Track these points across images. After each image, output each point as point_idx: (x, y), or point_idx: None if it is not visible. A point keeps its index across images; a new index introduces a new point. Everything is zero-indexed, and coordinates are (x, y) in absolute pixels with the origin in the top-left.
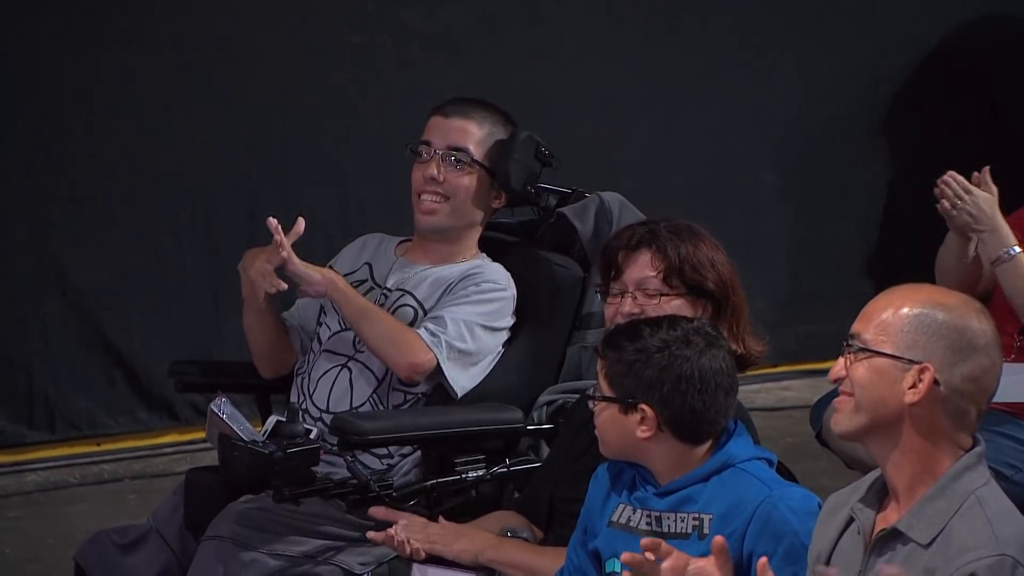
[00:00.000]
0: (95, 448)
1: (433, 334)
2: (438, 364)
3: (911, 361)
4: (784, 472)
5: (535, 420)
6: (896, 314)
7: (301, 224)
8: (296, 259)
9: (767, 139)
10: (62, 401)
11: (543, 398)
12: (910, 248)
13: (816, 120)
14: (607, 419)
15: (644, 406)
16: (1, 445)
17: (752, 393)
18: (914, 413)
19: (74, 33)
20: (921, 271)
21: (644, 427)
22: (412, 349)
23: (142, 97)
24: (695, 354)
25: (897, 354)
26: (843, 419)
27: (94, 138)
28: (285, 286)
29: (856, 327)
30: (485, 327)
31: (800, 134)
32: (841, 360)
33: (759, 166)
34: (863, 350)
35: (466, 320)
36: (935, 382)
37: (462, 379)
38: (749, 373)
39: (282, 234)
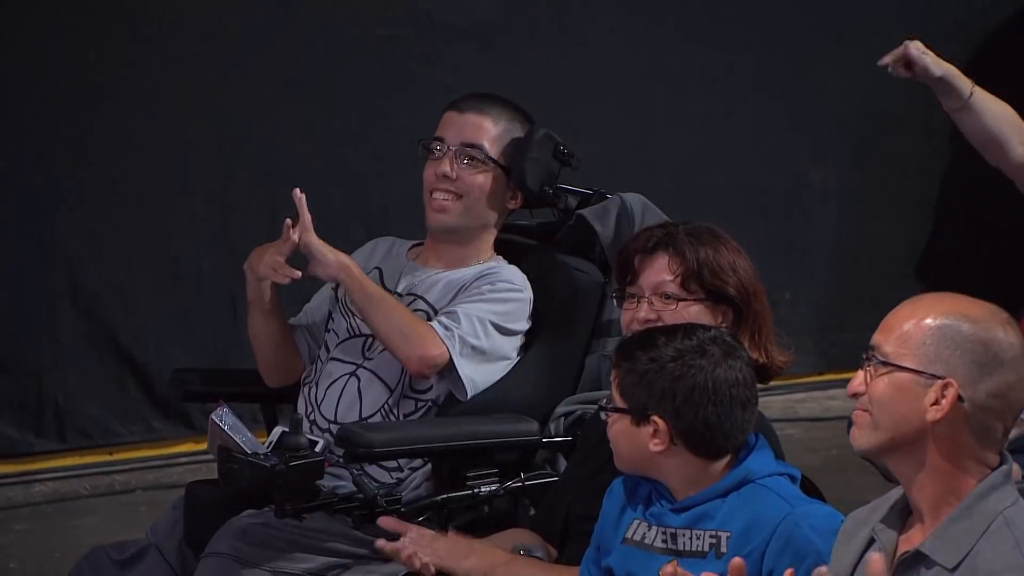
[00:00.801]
0: (107, 458)
1: (447, 328)
2: (450, 359)
3: (933, 376)
4: (810, 489)
5: (552, 432)
6: (918, 326)
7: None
8: (313, 233)
9: (812, 136)
10: (72, 408)
11: (560, 409)
12: (963, 250)
13: (864, 115)
14: (620, 431)
15: (656, 418)
16: (9, 454)
17: (796, 403)
18: (937, 431)
19: (86, 28)
20: (974, 274)
21: (657, 440)
22: (424, 341)
23: (156, 92)
24: (711, 364)
25: (919, 368)
26: (862, 436)
27: (106, 134)
28: (299, 273)
29: (876, 339)
30: (499, 327)
31: (847, 130)
32: (860, 374)
33: (804, 164)
34: (883, 364)
35: (480, 317)
36: (959, 398)
37: (474, 376)
38: (793, 381)
39: (306, 208)
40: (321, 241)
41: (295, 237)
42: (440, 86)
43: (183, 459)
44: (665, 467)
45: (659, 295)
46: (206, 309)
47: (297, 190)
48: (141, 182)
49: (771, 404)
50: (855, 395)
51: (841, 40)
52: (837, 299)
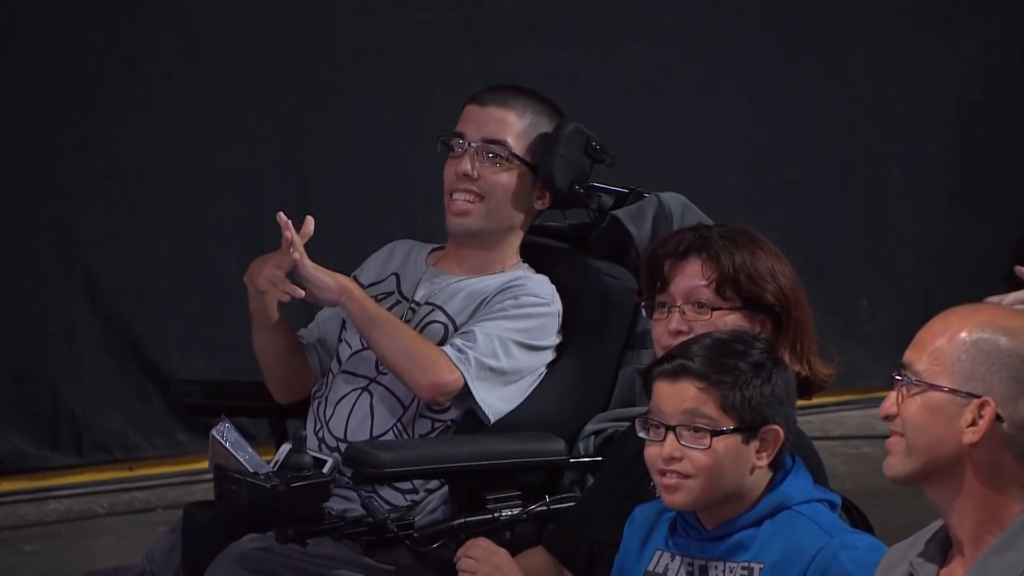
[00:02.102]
0: (126, 474)
1: (460, 350)
2: (465, 384)
3: (969, 395)
4: (856, 517)
5: (580, 451)
6: (952, 341)
7: (310, 224)
8: (308, 261)
9: (893, 129)
10: (90, 420)
11: (590, 427)
12: None
13: (950, 108)
14: (727, 454)
15: (776, 427)
16: (21, 469)
17: (874, 418)
18: (975, 454)
19: (108, 18)
20: None
21: (768, 452)
22: (435, 367)
23: (182, 81)
24: (784, 366)
25: (954, 387)
26: (895, 463)
27: (128, 127)
28: (301, 292)
29: (908, 356)
30: (522, 344)
31: (931, 123)
32: (892, 394)
33: (884, 160)
34: (915, 383)
35: (500, 336)
36: (997, 418)
37: (494, 401)
38: (870, 396)
39: (294, 231)
40: (316, 267)
41: (295, 254)
42: (488, 74)
43: (208, 476)
44: (749, 488)
45: (691, 303)
46: (235, 313)
47: (281, 214)
48: (165, 176)
49: (847, 420)
50: (887, 417)
51: (925, 24)
52: (919, 306)
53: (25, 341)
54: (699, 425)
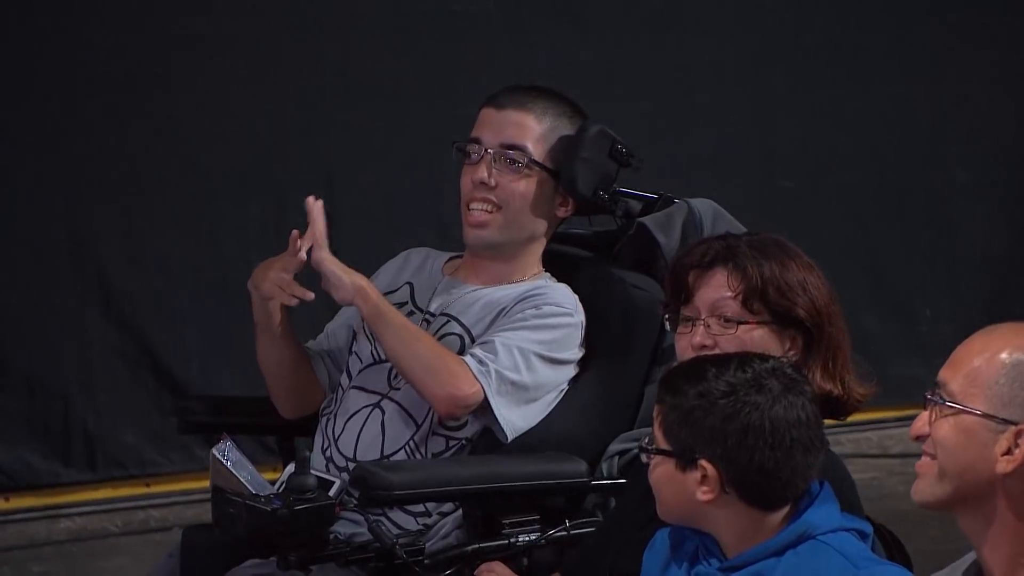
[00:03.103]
0: (143, 490)
1: (481, 362)
2: (485, 398)
3: (1006, 421)
4: (892, 546)
5: (603, 473)
6: (991, 361)
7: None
8: (328, 254)
9: (959, 129)
10: (104, 434)
11: (614, 447)
12: None
13: (1019, 108)
14: (663, 476)
15: (704, 463)
16: (31, 485)
17: None
18: (1009, 484)
19: (123, 10)
20: None
21: (705, 487)
22: (454, 378)
23: (201, 74)
24: (768, 401)
25: (989, 412)
26: (924, 487)
27: (145, 124)
28: (311, 295)
29: (943, 374)
30: (544, 357)
31: (1001, 123)
32: (924, 414)
33: (949, 162)
34: (949, 404)
35: (521, 347)
36: None
37: (514, 418)
38: None
39: (322, 216)
40: (335, 259)
41: (303, 254)
42: (526, 68)
43: None
44: (714, 519)
45: (717, 317)
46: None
47: (311, 197)
48: (183, 175)
49: (907, 436)
50: (918, 437)
51: (990, 24)
52: (985, 316)
53: (35, 350)
54: (647, 445)
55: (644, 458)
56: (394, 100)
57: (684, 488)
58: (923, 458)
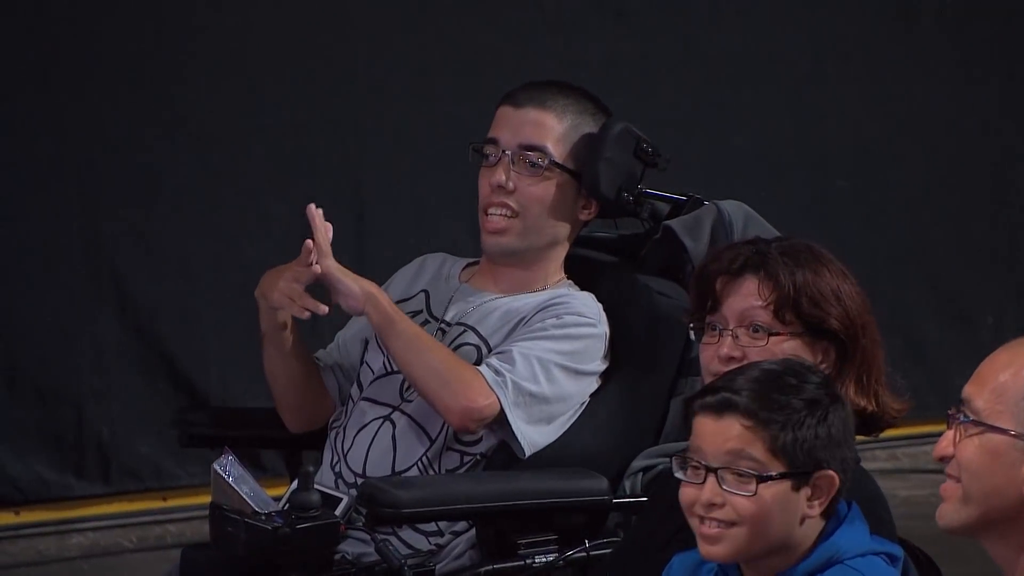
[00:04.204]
0: (159, 504)
1: (497, 372)
2: (501, 411)
3: None
4: (926, 569)
5: (626, 490)
6: (1018, 376)
7: (329, 231)
8: (333, 262)
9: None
10: (119, 445)
11: (638, 463)
12: None
13: None
14: (776, 502)
15: (829, 472)
16: (42, 499)
17: None
18: None
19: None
20: None
21: (819, 500)
22: (468, 389)
23: (220, 68)
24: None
25: (1017, 431)
26: (949, 511)
27: (163, 121)
28: (325, 309)
29: (967, 391)
30: (565, 368)
31: None
32: (948, 433)
33: (1013, 161)
34: (973, 422)
35: (540, 357)
36: None
37: (532, 433)
38: None
39: (323, 224)
40: (341, 267)
41: (317, 267)
42: (567, 62)
43: None
44: (797, 540)
45: (746, 327)
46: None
47: (312, 205)
48: (203, 176)
49: None
50: (942, 459)
51: None
52: None
53: (48, 357)
54: (744, 469)
55: (747, 492)
56: (424, 96)
57: (797, 509)
58: (947, 481)
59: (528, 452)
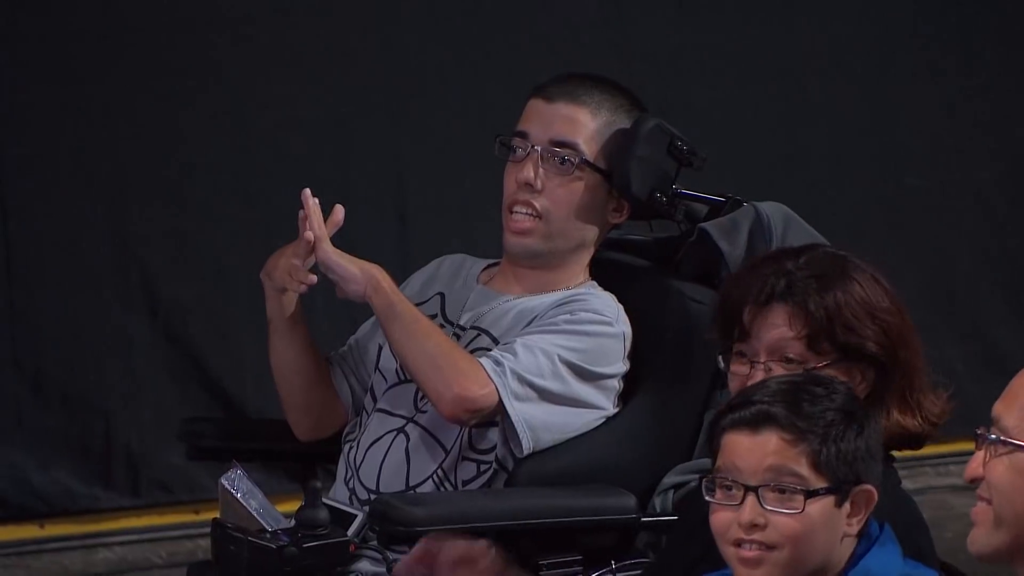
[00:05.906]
0: (191, 518)
1: (497, 362)
2: (500, 403)
3: None
4: None
5: (656, 508)
6: None
7: (340, 212)
8: (329, 246)
9: None
10: (149, 455)
11: (669, 479)
12: None
13: None
14: (820, 519)
15: (868, 487)
16: (68, 511)
17: None
18: None
19: None
20: None
21: (858, 517)
22: (463, 377)
23: (258, 59)
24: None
25: None
26: (980, 536)
27: (196, 114)
28: (315, 279)
29: (997, 408)
30: (573, 365)
31: None
32: (979, 454)
33: None
34: (1003, 442)
35: (545, 350)
36: None
37: (533, 423)
38: None
39: (314, 207)
40: (339, 252)
41: (309, 234)
42: (618, 53)
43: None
44: (834, 560)
45: (780, 360)
46: (319, 332)
47: (307, 191)
48: (238, 172)
49: None
50: (973, 480)
51: None
52: None
53: (74, 362)
54: (788, 484)
55: (791, 509)
56: (467, 90)
57: (839, 527)
58: (978, 503)
59: (529, 447)
